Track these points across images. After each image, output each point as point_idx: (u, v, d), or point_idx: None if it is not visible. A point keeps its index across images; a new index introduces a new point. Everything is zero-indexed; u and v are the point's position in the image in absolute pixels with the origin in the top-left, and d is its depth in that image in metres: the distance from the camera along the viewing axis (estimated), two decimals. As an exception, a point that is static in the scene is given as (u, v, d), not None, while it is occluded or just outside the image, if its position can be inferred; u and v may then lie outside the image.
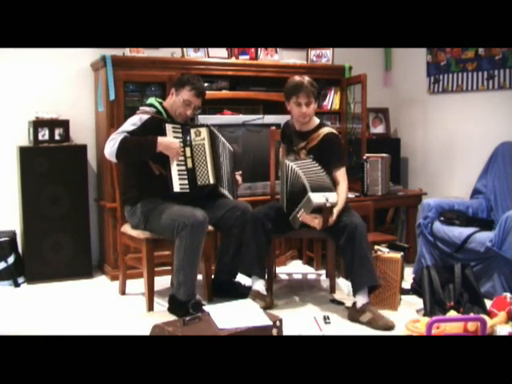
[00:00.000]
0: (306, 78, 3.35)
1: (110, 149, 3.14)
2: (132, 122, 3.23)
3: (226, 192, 3.44)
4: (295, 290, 3.74)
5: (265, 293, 3.34)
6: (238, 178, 3.56)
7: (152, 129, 3.21)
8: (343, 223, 3.17)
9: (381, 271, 3.35)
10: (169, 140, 3.18)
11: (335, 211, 3.14)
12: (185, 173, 3.25)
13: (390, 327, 2.97)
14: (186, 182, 3.25)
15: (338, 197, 3.16)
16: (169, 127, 3.23)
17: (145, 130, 3.21)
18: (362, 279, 3.10)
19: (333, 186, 3.17)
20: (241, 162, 3.64)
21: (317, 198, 3.05)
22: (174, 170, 3.20)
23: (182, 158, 3.25)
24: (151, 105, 3.35)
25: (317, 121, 3.44)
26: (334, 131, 3.44)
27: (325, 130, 3.38)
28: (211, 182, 3.33)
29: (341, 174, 3.31)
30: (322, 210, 3.07)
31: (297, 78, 3.37)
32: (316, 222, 3.11)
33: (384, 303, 3.31)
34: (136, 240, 3.34)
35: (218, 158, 3.38)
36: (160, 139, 3.15)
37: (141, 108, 3.34)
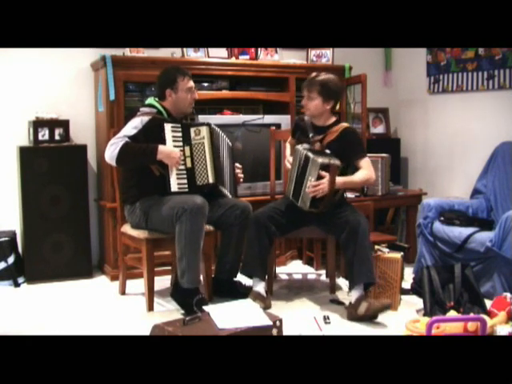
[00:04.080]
0: (320, 76, 3.38)
1: (111, 153, 3.15)
2: (133, 125, 3.21)
3: (225, 191, 3.44)
4: (295, 289, 3.74)
5: (265, 295, 3.35)
6: (238, 171, 3.54)
7: (153, 130, 3.20)
8: (345, 219, 3.19)
9: (381, 271, 3.35)
10: (169, 149, 3.19)
11: (345, 178, 3.23)
12: (184, 172, 3.25)
13: (387, 306, 3.05)
14: (185, 181, 3.25)
15: (357, 174, 3.27)
16: (167, 127, 3.23)
17: (146, 132, 3.20)
18: (359, 277, 3.12)
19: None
20: (241, 162, 3.63)
21: (321, 158, 3.17)
22: (173, 170, 3.21)
23: (182, 158, 3.25)
24: (151, 105, 3.34)
25: (333, 118, 3.47)
26: (351, 126, 3.53)
27: (343, 125, 3.42)
28: (210, 181, 3.32)
29: (364, 163, 3.33)
30: (328, 169, 3.14)
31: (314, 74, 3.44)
32: (323, 185, 3.13)
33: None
34: (136, 240, 3.34)
35: (217, 157, 3.37)
36: (160, 148, 3.16)
37: (141, 109, 3.31)
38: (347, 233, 3.16)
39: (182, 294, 3.17)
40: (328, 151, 3.31)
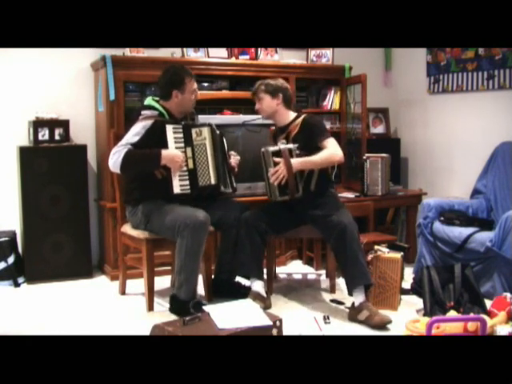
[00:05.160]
0: (263, 80, 3.54)
1: (114, 162, 3.14)
2: (136, 132, 3.18)
3: (225, 190, 3.41)
4: (295, 290, 3.74)
5: (265, 295, 3.35)
6: (233, 159, 3.52)
7: (155, 133, 3.19)
8: (333, 222, 3.20)
9: (381, 271, 3.35)
10: (172, 153, 3.17)
11: (302, 158, 3.28)
12: (186, 173, 3.24)
13: (387, 323, 2.98)
14: (187, 182, 3.24)
15: (318, 153, 3.30)
16: (169, 128, 3.21)
17: (149, 137, 3.18)
18: (354, 280, 3.12)
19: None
20: (241, 162, 3.63)
21: (271, 147, 3.34)
22: (175, 173, 3.20)
23: (184, 160, 3.24)
24: (151, 106, 3.32)
25: (293, 115, 3.51)
26: (311, 115, 3.58)
27: (302, 116, 3.47)
28: (212, 182, 3.31)
29: (327, 143, 3.36)
30: (280, 155, 3.26)
31: None
32: (280, 167, 3.23)
33: (384, 303, 3.31)
34: (136, 240, 3.34)
35: (218, 156, 3.36)
36: (164, 153, 3.14)
37: (143, 112, 3.26)
38: (335, 237, 3.17)
39: (179, 307, 3.16)
40: (295, 145, 3.35)
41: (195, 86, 3.37)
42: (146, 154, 3.17)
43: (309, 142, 3.35)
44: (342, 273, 3.27)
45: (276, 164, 3.27)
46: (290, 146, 3.31)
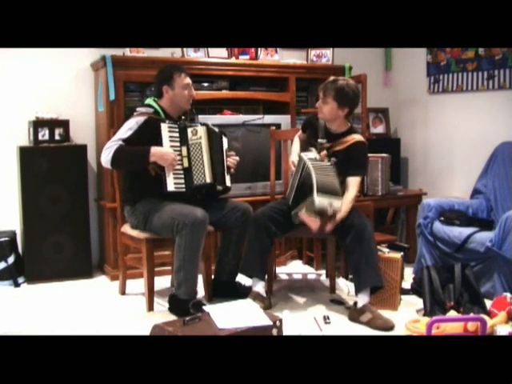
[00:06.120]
0: (338, 81, 3.29)
1: (106, 158, 3.16)
2: (128, 127, 3.21)
3: (218, 188, 3.39)
4: (295, 290, 3.74)
5: (265, 295, 3.34)
6: (230, 160, 3.47)
7: (149, 130, 3.20)
8: (350, 222, 3.17)
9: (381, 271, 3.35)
10: (162, 150, 3.17)
11: (337, 218, 3.11)
12: (181, 172, 3.24)
13: (389, 327, 2.98)
14: (182, 181, 3.24)
15: (343, 204, 3.13)
16: (164, 126, 3.22)
17: (142, 133, 3.19)
18: (367, 280, 3.10)
19: (341, 194, 3.14)
20: (241, 162, 3.62)
21: (321, 201, 3.01)
22: (169, 170, 3.20)
23: (179, 158, 3.24)
24: (148, 105, 3.33)
25: (347, 125, 3.41)
26: (363, 140, 3.40)
27: (355, 137, 3.35)
28: (208, 181, 3.31)
29: (354, 182, 3.26)
30: (323, 215, 3.05)
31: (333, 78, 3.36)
32: (314, 224, 3.08)
33: (384, 303, 3.31)
34: (136, 240, 3.34)
35: (214, 155, 3.35)
36: (153, 150, 3.14)
37: (137, 109, 3.30)
38: (352, 236, 3.14)
39: (178, 306, 3.17)
40: (333, 159, 3.26)
41: (186, 81, 3.34)
42: (135, 151, 3.18)
43: (345, 164, 3.26)
44: (353, 272, 3.20)
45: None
46: (337, 207, 3.05)
